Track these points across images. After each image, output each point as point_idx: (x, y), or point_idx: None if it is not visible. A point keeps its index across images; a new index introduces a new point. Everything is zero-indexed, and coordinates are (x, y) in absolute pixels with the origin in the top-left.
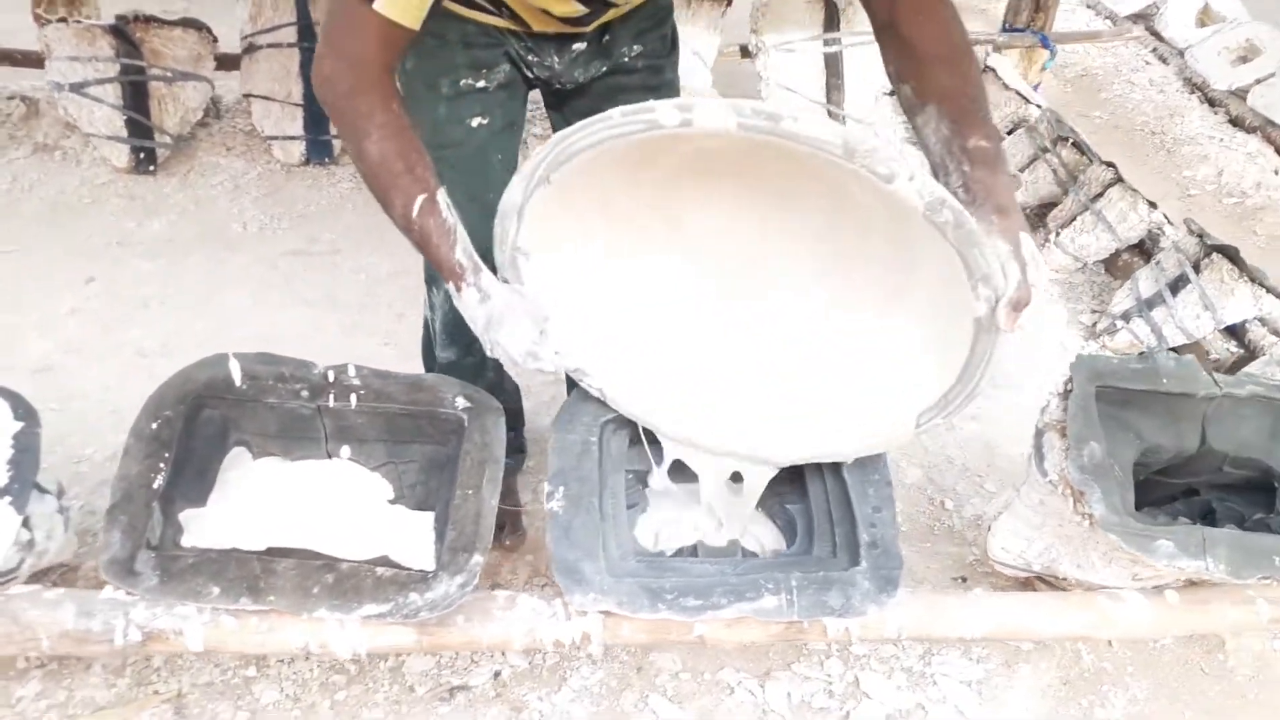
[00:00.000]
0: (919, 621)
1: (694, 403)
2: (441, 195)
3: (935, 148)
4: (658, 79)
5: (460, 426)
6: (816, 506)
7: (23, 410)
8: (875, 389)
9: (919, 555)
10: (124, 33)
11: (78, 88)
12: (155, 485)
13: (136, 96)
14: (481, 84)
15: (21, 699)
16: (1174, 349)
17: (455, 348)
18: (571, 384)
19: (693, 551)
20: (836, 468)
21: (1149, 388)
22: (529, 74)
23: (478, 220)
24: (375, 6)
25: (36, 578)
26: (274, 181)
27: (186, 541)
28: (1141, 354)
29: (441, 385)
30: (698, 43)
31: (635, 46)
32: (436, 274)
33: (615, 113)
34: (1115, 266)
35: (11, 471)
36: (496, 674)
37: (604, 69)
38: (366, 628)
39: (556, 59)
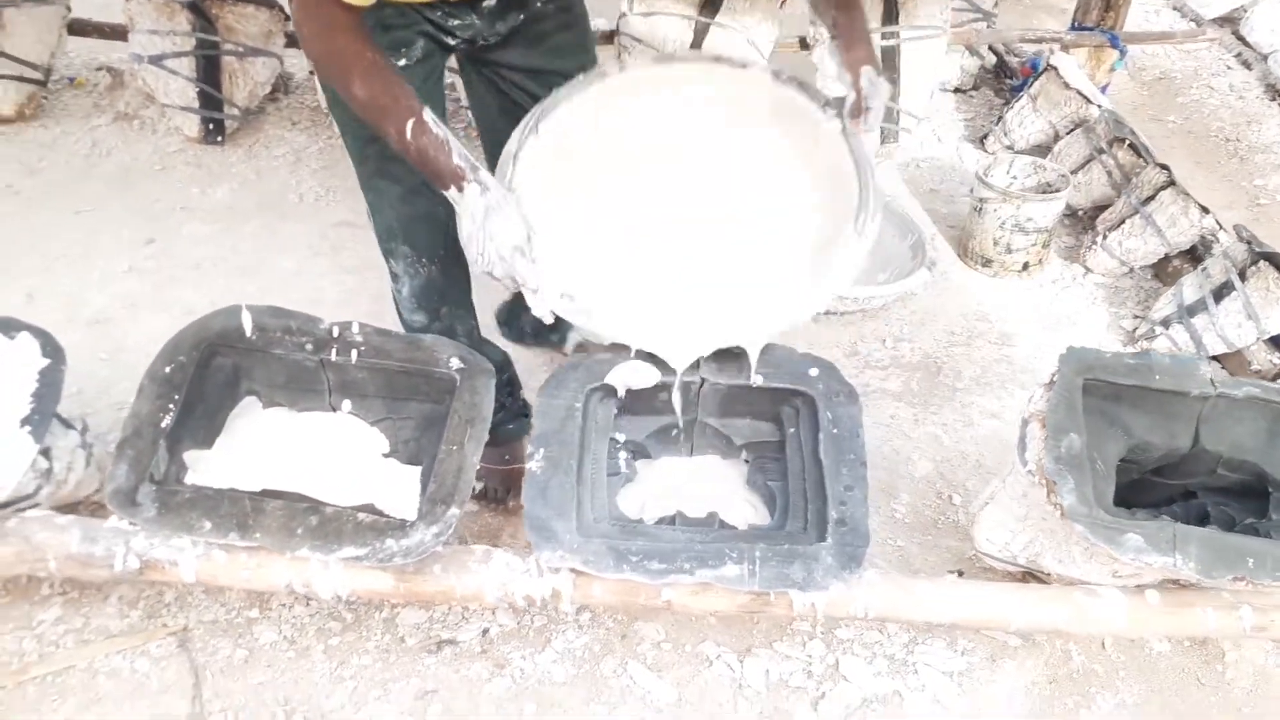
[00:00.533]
0: (887, 602)
1: (654, 301)
2: (428, 114)
3: None
4: (569, 15)
5: (453, 386)
6: (794, 484)
7: (50, 348)
8: (796, 249)
9: (919, 547)
10: (200, 9)
11: (156, 60)
12: (163, 424)
13: (209, 70)
14: (402, 62)
15: (42, 623)
16: (1215, 358)
17: (423, 313)
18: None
19: (673, 522)
20: (814, 447)
21: (1141, 383)
22: (451, 40)
23: (415, 198)
24: None
25: (67, 511)
26: (333, 156)
27: (189, 480)
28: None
29: (437, 346)
30: (755, 33)
31: None
32: (393, 246)
33: (579, 76)
34: (1165, 272)
35: (34, 403)
36: (484, 631)
37: (521, 17)
38: (347, 570)
39: (475, 18)
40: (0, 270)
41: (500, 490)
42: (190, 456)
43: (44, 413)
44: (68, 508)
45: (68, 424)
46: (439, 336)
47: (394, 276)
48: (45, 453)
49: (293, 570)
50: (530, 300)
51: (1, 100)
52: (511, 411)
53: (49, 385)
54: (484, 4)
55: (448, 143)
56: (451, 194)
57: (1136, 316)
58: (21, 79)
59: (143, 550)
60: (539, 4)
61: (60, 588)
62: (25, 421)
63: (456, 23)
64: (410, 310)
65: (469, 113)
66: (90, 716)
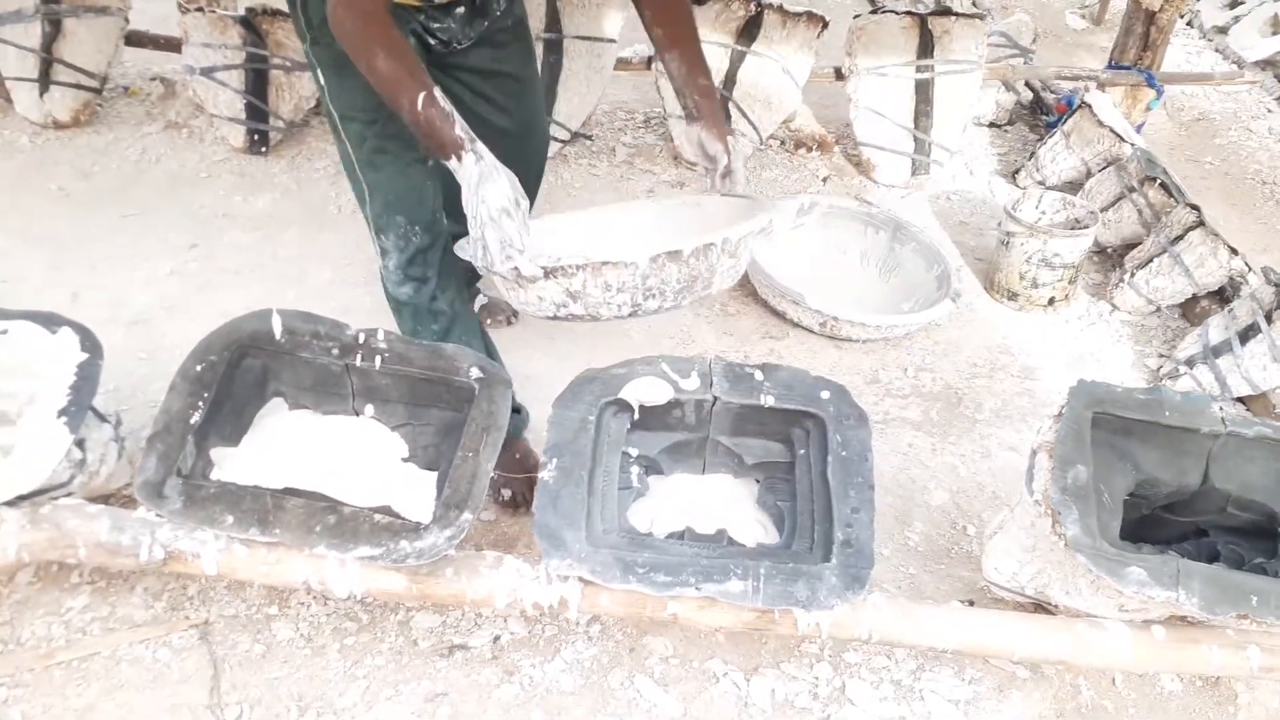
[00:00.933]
0: (891, 626)
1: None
2: (437, 90)
3: (677, 79)
4: (519, 27)
5: (472, 395)
6: (802, 505)
7: (89, 343)
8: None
9: (931, 576)
10: (252, 24)
11: (207, 72)
12: (192, 421)
13: (257, 83)
14: None
15: (70, 609)
16: (1239, 399)
17: (410, 284)
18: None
19: (682, 537)
20: (823, 468)
21: (1151, 419)
22: (432, 41)
23: (410, 170)
24: None
25: (98, 502)
26: None
27: (215, 475)
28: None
29: (458, 355)
30: (791, 62)
31: (502, 3)
32: (386, 219)
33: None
34: (1192, 313)
35: (71, 395)
36: (496, 638)
37: (484, 24)
38: (362, 570)
39: (451, 22)
40: (50, 269)
41: (523, 496)
42: (217, 453)
43: (80, 405)
44: (99, 498)
45: (103, 417)
46: (460, 346)
47: (383, 252)
48: (80, 444)
49: (310, 568)
50: (517, 261)
51: (59, 106)
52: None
53: (86, 379)
54: (457, 10)
55: (452, 115)
56: (452, 163)
57: (1161, 355)
58: (79, 86)
59: (168, 541)
60: (497, 13)
61: (89, 576)
62: (62, 413)
63: (437, 25)
64: (397, 283)
65: None
66: (112, 702)
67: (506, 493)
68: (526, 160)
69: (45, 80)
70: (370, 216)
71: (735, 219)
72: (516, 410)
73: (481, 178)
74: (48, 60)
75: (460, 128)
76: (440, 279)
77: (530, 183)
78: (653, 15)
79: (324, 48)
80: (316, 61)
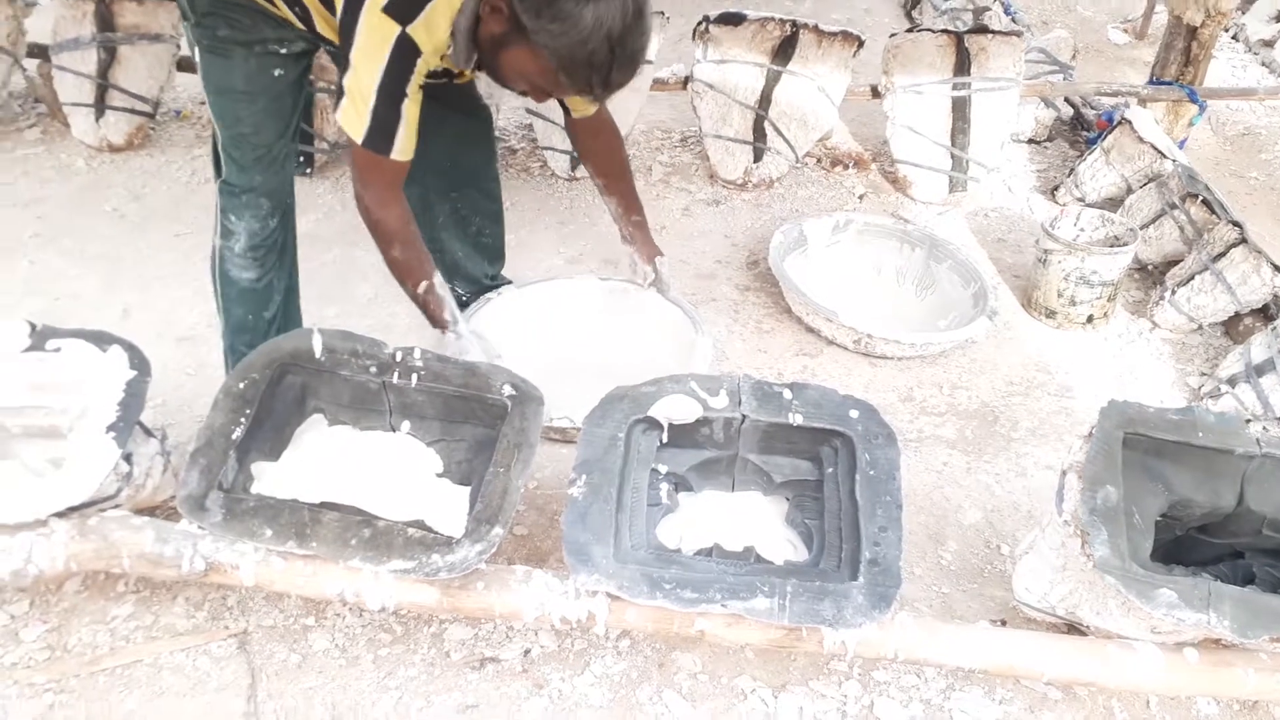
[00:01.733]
0: (918, 645)
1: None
2: (437, 277)
3: (616, 215)
4: (472, 86)
5: (505, 412)
6: (830, 523)
7: (138, 361)
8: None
9: (965, 595)
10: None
11: None
12: (234, 436)
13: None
14: (284, 50)
15: (116, 617)
16: None
17: (256, 267)
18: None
19: (710, 554)
20: (851, 487)
21: (1183, 440)
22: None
23: (275, 142)
24: (393, 156)
25: (144, 514)
26: None
27: (255, 489)
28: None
29: (493, 374)
30: (826, 81)
31: None
32: (248, 199)
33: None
34: (1236, 330)
35: (120, 411)
36: (526, 651)
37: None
38: (397, 583)
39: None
40: (104, 287)
41: None
42: (257, 468)
43: (128, 420)
44: (145, 510)
45: (149, 432)
46: (495, 365)
47: (228, 234)
48: (127, 458)
49: (345, 580)
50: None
51: (113, 130)
52: None
53: (134, 395)
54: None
55: (444, 300)
56: (439, 334)
57: (1203, 374)
58: (133, 111)
59: (209, 553)
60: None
61: (134, 586)
62: (111, 428)
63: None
64: (242, 267)
65: None
66: (154, 708)
67: None
68: (474, 140)
69: (101, 105)
70: (228, 193)
71: (666, 335)
72: None
73: (461, 351)
74: (103, 86)
75: (449, 312)
76: (280, 265)
77: (479, 158)
78: (594, 168)
79: (204, 31)
80: (194, 41)
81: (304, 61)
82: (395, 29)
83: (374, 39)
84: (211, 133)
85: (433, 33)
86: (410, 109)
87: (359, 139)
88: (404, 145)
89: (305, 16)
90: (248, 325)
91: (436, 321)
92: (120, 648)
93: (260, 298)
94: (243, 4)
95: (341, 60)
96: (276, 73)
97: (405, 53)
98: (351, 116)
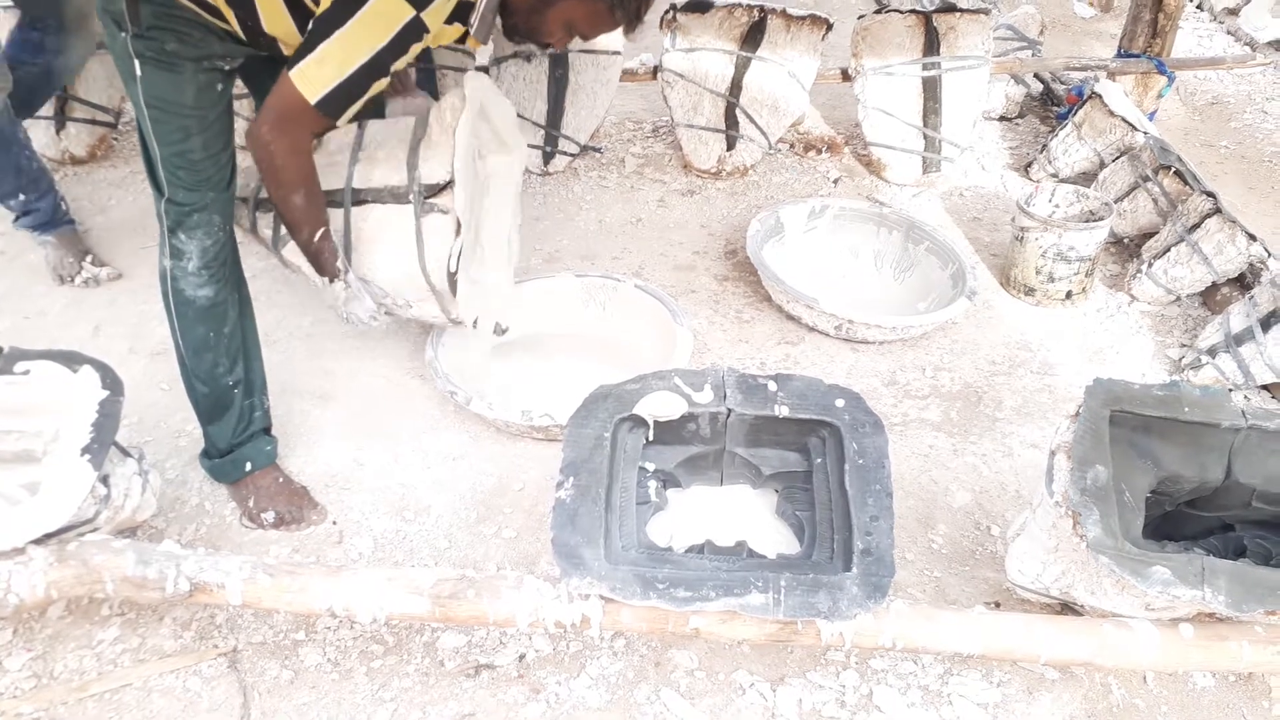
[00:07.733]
0: (914, 633)
1: None
2: (329, 227)
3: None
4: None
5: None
6: (820, 514)
7: (110, 380)
8: None
9: (957, 578)
10: None
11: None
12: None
13: None
14: (226, 66)
15: (101, 642)
16: (1264, 387)
17: (212, 284)
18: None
19: (702, 550)
20: (840, 477)
21: (1170, 415)
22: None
23: (222, 155)
24: (337, 122)
25: (125, 536)
26: None
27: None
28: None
29: None
30: (796, 66)
31: None
32: (202, 217)
33: None
34: (1213, 301)
35: (94, 433)
36: (521, 656)
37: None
38: (384, 594)
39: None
40: (72, 304)
41: (289, 513)
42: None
43: (103, 442)
44: (126, 531)
45: (126, 452)
46: None
47: (178, 254)
48: (104, 480)
49: (333, 593)
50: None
51: (75, 141)
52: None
53: (108, 416)
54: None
55: (336, 249)
56: (322, 281)
57: (1183, 345)
58: (94, 122)
59: (193, 574)
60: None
61: (119, 608)
62: (85, 450)
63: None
64: (197, 285)
65: None
66: None
67: (270, 515)
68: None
69: (61, 117)
70: (169, 215)
71: (647, 329)
72: (267, 432)
73: (349, 298)
74: (63, 98)
75: (341, 260)
76: (233, 276)
77: None
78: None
79: (149, 43)
80: (134, 53)
81: (235, 78)
82: (409, 12)
83: (381, 16)
84: (143, 150)
85: (434, 22)
86: (379, 86)
87: (313, 99)
88: (349, 115)
89: (250, 19)
90: (209, 344)
91: (327, 270)
92: (108, 672)
93: (218, 314)
94: (189, 17)
95: (322, 24)
96: (220, 88)
97: (410, 36)
98: (313, 77)
